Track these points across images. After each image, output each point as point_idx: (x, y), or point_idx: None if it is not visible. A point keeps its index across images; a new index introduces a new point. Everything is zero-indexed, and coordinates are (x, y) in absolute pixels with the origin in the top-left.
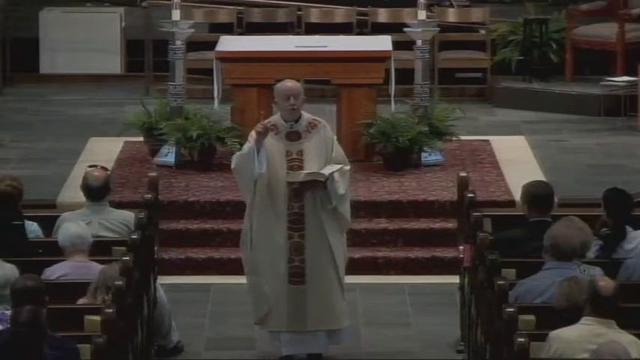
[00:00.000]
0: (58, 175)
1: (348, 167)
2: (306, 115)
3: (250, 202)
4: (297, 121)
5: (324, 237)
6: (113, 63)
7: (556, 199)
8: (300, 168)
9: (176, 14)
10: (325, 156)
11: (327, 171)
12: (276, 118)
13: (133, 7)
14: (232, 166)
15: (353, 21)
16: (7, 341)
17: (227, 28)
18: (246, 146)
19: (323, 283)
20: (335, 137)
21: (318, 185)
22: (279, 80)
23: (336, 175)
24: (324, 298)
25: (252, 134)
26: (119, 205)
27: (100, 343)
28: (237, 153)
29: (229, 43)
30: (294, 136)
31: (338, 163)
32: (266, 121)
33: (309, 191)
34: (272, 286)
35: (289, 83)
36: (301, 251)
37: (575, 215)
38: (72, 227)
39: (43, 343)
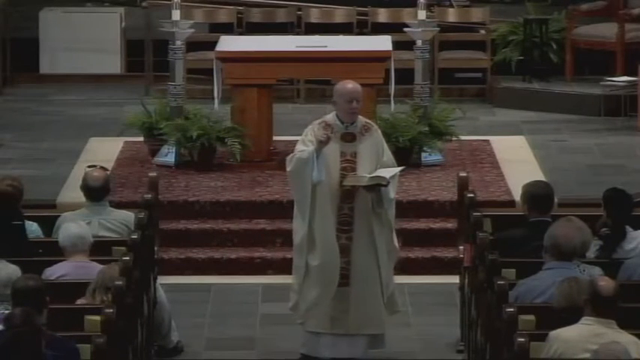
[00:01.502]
0: (58, 175)
1: (399, 170)
2: (360, 118)
3: (303, 205)
4: (352, 122)
5: (371, 239)
6: (113, 63)
7: (556, 199)
8: (353, 170)
9: (176, 14)
10: (376, 159)
11: (387, 174)
12: (331, 118)
13: (133, 7)
14: (289, 169)
15: (353, 21)
16: (7, 342)
17: (227, 28)
18: (304, 149)
19: (367, 286)
20: (384, 141)
21: (375, 189)
22: (279, 80)
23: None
24: (367, 302)
25: (309, 136)
26: (119, 205)
27: (100, 343)
28: (294, 156)
29: (229, 43)
30: (349, 137)
31: (387, 167)
32: (322, 122)
33: (361, 193)
34: (321, 288)
35: (351, 85)
36: (347, 253)
37: (575, 215)
38: (72, 227)
39: (42, 343)
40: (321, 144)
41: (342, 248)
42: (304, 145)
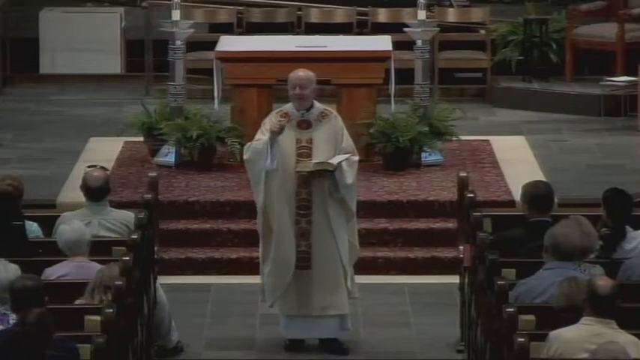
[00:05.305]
0: (58, 175)
1: (356, 158)
2: (317, 105)
3: (260, 196)
4: (308, 110)
5: (329, 224)
6: (113, 63)
7: (556, 199)
8: (309, 156)
9: (176, 14)
10: (335, 145)
11: (335, 160)
12: (288, 106)
13: (133, 7)
14: (245, 157)
15: (353, 21)
16: (7, 341)
17: (227, 28)
18: (261, 138)
19: (328, 268)
20: (345, 128)
21: (327, 174)
22: (279, 80)
23: (344, 164)
24: (329, 284)
25: (266, 125)
26: (119, 205)
27: (100, 343)
28: (251, 144)
29: (229, 43)
30: (304, 124)
31: (347, 153)
32: (279, 111)
33: (317, 178)
34: (283, 271)
35: (300, 73)
36: (308, 237)
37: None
38: (66, 233)
39: (45, 347)
40: (274, 134)
41: (303, 232)
42: (262, 134)
